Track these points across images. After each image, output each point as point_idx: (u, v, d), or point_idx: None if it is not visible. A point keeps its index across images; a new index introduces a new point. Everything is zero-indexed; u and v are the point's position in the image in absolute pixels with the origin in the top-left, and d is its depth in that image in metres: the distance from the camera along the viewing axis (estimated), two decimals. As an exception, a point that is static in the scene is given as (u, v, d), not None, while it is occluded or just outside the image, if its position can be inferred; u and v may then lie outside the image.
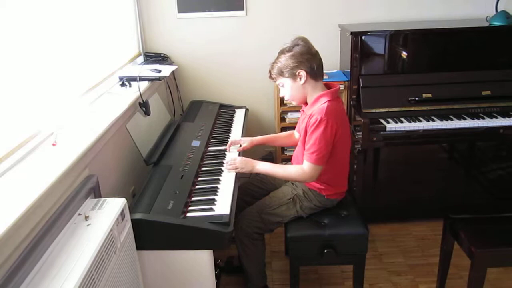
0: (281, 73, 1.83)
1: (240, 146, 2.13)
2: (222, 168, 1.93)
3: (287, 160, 2.82)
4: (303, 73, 1.78)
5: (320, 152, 1.75)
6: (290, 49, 1.80)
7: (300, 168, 1.83)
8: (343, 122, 1.83)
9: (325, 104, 1.76)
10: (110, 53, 2.30)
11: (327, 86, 1.89)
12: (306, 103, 1.91)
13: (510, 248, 1.76)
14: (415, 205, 2.71)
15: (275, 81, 1.91)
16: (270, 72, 1.88)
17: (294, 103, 1.93)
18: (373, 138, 2.33)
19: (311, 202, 1.93)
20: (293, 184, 2.00)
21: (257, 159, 1.98)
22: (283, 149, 2.89)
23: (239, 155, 2.06)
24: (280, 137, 2.28)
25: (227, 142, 2.20)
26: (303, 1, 2.76)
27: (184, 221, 1.52)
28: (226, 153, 2.11)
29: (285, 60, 1.79)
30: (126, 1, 2.60)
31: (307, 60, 1.78)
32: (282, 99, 2.73)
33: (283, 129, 2.80)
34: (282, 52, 1.83)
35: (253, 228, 1.91)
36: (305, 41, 1.82)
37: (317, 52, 1.82)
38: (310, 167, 1.78)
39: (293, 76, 1.80)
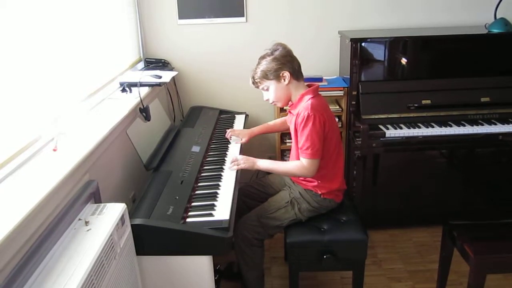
0: (265, 76, 1.90)
1: (241, 139, 2.25)
2: (222, 173, 1.94)
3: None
4: (286, 73, 1.87)
5: (314, 146, 1.82)
6: (271, 54, 1.90)
7: (299, 163, 1.88)
8: (329, 116, 1.89)
9: (309, 101, 1.85)
10: (111, 58, 2.31)
11: (307, 85, 1.97)
12: (290, 104, 1.98)
13: (509, 254, 1.76)
14: (415, 211, 2.71)
15: (258, 86, 1.97)
16: (253, 78, 1.96)
17: (278, 105, 2.02)
18: (372, 144, 2.34)
19: (308, 203, 1.94)
20: (289, 187, 2.04)
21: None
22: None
23: (240, 152, 2.15)
24: (276, 125, 2.34)
25: (227, 148, 2.21)
26: (303, 8, 2.78)
27: (183, 227, 1.52)
28: (227, 152, 2.17)
29: (268, 63, 1.88)
30: (127, 7, 2.62)
31: (289, 61, 1.88)
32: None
33: (283, 134, 2.83)
34: (263, 57, 1.93)
35: (252, 233, 1.92)
36: (283, 45, 1.92)
37: (295, 56, 1.92)
38: (308, 162, 1.84)
39: (278, 77, 1.89)
